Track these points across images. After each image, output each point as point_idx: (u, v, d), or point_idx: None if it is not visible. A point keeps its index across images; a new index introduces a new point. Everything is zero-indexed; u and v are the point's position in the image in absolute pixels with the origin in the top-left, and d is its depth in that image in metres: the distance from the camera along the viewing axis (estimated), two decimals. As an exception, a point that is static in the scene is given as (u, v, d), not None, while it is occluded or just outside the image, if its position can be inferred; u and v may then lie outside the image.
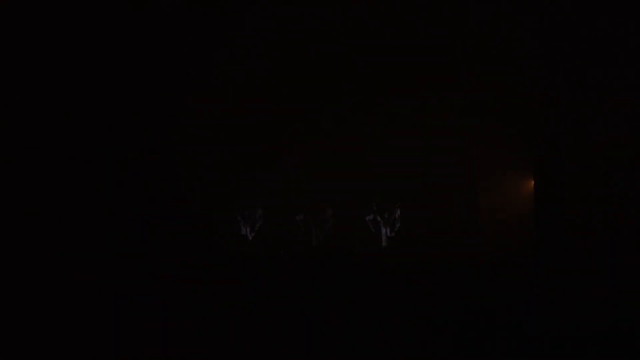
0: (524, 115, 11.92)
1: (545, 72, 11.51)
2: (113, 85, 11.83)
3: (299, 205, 12.88)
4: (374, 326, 6.85)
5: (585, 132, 11.27)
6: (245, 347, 6.72)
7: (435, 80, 12.38)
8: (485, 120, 12.34)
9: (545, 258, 10.80)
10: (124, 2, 11.42)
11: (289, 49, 12.47)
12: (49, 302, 7.71)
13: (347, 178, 12.73)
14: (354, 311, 7.09)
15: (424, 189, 12.73)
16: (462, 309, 6.85)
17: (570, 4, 11.01)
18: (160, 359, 6.62)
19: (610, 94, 11.11)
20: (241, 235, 12.94)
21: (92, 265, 9.44)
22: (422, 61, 12.34)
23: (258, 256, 11.61)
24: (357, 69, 12.53)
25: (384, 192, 12.66)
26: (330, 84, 12.70)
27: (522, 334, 6.29)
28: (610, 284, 7.28)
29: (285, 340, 6.82)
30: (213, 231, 12.56)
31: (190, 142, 12.59)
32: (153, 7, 11.53)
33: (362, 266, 8.72)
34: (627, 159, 10.86)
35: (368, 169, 12.72)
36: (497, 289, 7.30)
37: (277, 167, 12.96)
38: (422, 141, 12.85)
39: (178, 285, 8.07)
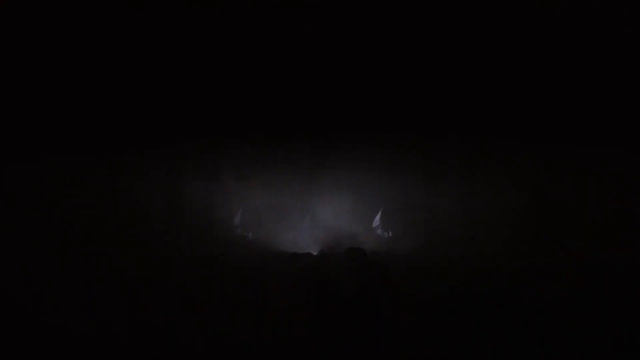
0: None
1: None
2: (112, 84, 11.83)
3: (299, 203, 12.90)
4: (375, 327, 6.84)
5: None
6: (245, 347, 6.71)
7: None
8: None
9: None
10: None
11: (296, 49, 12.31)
12: (48, 301, 7.71)
13: (350, 180, 12.75)
14: (355, 312, 7.07)
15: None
16: (462, 310, 6.84)
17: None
18: (160, 358, 6.61)
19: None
20: (240, 234, 12.95)
21: (91, 265, 9.43)
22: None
23: (258, 256, 11.60)
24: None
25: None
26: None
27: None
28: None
29: (286, 340, 6.81)
30: (212, 230, 12.56)
31: (189, 141, 12.59)
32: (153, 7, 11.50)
33: (367, 267, 8.70)
34: None
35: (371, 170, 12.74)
36: (496, 289, 7.29)
37: (278, 167, 12.95)
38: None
39: (177, 285, 8.05)
